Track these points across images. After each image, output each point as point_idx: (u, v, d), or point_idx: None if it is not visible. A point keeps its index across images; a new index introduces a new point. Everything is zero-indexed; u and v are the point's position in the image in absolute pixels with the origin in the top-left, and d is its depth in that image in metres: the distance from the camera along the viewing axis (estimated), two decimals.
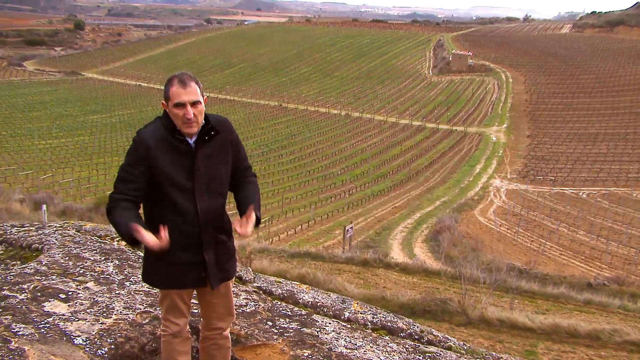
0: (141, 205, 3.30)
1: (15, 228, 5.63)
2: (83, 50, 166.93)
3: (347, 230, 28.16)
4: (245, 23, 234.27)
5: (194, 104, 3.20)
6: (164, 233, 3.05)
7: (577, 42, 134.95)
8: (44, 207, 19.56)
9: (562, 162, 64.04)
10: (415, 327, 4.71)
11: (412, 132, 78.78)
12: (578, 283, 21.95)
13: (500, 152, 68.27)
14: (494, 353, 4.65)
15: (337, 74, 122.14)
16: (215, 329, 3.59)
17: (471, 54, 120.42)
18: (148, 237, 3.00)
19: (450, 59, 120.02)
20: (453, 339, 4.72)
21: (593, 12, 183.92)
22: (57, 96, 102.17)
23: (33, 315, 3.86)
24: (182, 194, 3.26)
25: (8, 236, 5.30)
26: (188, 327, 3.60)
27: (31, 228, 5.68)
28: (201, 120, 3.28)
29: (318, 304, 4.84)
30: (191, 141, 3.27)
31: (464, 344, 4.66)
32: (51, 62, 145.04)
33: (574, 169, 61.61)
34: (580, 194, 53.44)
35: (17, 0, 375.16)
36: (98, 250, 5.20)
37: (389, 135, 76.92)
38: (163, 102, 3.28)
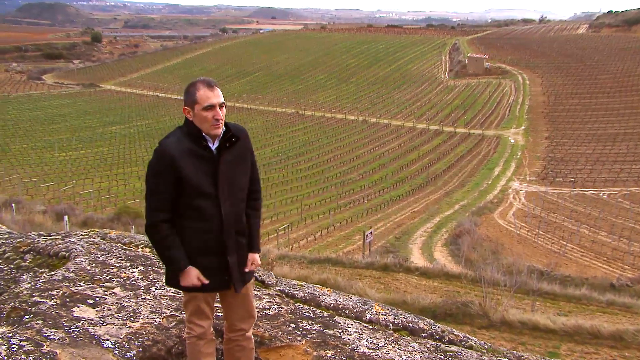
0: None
1: (43, 237, 5.75)
2: (101, 62, 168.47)
3: (367, 235, 28.17)
4: (261, 31, 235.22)
5: (221, 105, 3.33)
6: (203, 281, 3.37)
7: (594, 42, 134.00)
8: (66, 218, 19.78)
9: (582, 163, 63.55)
10: (436, 327, 4.74)
11: (429, 137, 78.60)
12: (600, 284, 21.79)
13: (519, 154, 67.89)
14: (515, 352, 4.68)
15: (353, 80, 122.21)
16: (238, 330, 3.66)
17: (487, 56, 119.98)
18: (195, 280, 3.36)
19: (466, 62, 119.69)
20: (474, 338, 4.75)
21: (610, 12, 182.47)
22: (76, 108, 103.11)
23: (63, 320, 3.96)
24: (207, 200, 3.33)
25: (36, 245, 5.42)
26: (212, 329, 3.67)
27: (57, 237, 5.80)
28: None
29: (340, 306, 4.90)
30: (213, 147, 3.35)
31: (484, 343, 4.70)
32: (69, 75, 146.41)
33: (594, 169, 61.10)
34: (601, 194, 53.00)
35: (35, 15, 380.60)
36: (123, 257, 5.30)
37: (406, 140, 76.80)
38: (186, 107, 3.35)
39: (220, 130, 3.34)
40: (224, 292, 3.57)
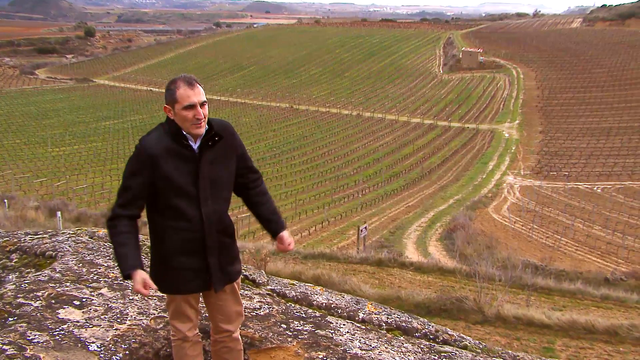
0: (141, 212, 3.34)
1: (29, 236, 5.66)
2: (94, 57, 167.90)
3: (361, 230, 28.15)
4: (255, 26, 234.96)
5: (202, 104, 3.20)
6: (151, 286, 3.23)
7: (588, 36, 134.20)
8: (59, 214, 19.69)
9: (576, 157, 63.66)
10: (430, 326, 4.68)
11: (423, 131, 78.61)
12: (595, 278, 21.82)
13: (513, 148, 67.98)
14: (510, 352, 4.62)
15: (348, 75, 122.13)
16: (224, 331, 3.57)
17: (481, 50, 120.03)
18: (139, 286, 3.18)
19: (461, 56, 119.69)
20: (469, 338, 4.69)
21: (604, 6, 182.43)
22: (69, 103, 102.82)
23: (48, 322, 3.87)
24: (186, 200, 3.26)
25: (22, 244, 5.33)
26: (198, 330, 3.60)
27: (45, 235, 5.70)
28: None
29: (332, 306, 4.83)
30: (195, 146, 3.26)
31: (479, 342, 4.64)
32: (63, 69, 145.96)
33: (588, 163, 61.21)
34: (595, 188, 53.10)
35: (28, 9, 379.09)
36: (111, 256, 5.21)
37: (400, 135, 76.80)
38: (166, 106, 3.25)
39: (202, 129, 3.24)
40: (206, 292, 3.49)
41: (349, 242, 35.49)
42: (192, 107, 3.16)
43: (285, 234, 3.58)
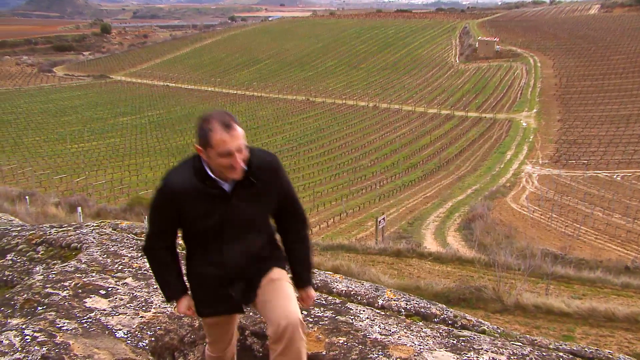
0: (176, 238, 3.19)
1: (55, 229, 5.78)
2: (110, 53, 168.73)
3: (380, 221, 28.14)
4: (270, 19, 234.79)
5: (240, 149, 2.85)
6: (192, 313, 3.21)
7: (606, 22, 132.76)
8: (79, 209, 19.89)
9: (595, 146, 63.14)
10: (449, 312, 4.74)
11: (440, 121, 78.34)
12: (615, 267, 21.71)
13: (531, 137, 67.55)
14: (528, 336, 4.66)
15: (363, 66, 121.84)
16: (283, 329, 3.08)
17: (498, 39, 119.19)
18: (183, 309, 3.20)
19: (477, 45, 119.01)
20: (487, 322, 4.74)
21: None
22: (87, 100, 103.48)
23: (75, 311, 3.98)
24: (211, 240, 3.06)
25: (48, 237, 5.44)
26: (235, 350, 3.59)
27: (69, 228, 5.82)
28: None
29: (352, 293, 4.90)
30: (226, 187, 2.97)
31: (497, 327, 4.69)
32: (80, 66, 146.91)
33: (607, 151, 60.70)
34: (615, 177, 52.68)
35: (44, 7, 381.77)
36: (134, 247, 5.32)
37: (417, 125, 76.58)
38: (198, 147, 2.90)
39: (239, 175, 2.90)
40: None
41: (367, 233, 35.49)
42: (229, 154, 2.82)
43: (304, 292, 3.32)
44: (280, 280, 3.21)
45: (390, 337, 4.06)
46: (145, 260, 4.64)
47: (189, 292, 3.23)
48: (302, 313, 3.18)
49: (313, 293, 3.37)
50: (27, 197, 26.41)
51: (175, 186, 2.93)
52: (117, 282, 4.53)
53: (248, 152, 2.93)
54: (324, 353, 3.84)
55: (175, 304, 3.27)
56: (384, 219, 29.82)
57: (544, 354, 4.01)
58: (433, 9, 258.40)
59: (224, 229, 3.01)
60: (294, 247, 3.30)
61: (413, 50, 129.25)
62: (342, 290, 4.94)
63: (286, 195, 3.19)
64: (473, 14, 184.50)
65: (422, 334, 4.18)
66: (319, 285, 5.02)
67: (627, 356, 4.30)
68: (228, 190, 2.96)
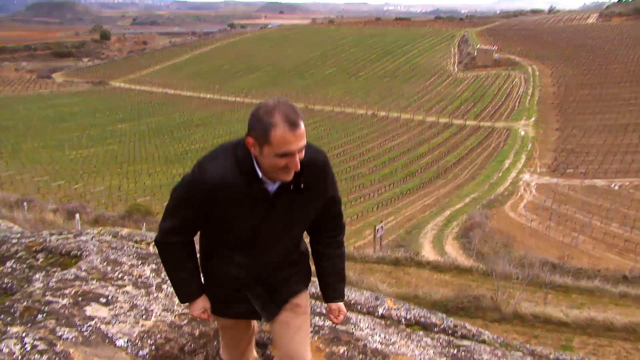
0: (195, 235, 2.86)
1: (54, 236, 5.77)
2: (109, 59, 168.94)
3: (378, 229, 28.16)
4: (269, 26, 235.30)
5: (301, 150, 2.49)
6: (208, 316, 2.95)
7: (604, 31, 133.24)
8: (77, 216, 19.86)
9: (593, 154, 63.22)
10: (449, 321, 4.74)
11: (439, 130, 78.44)
12: (613, 276, 21.75)
13: (529, 146, 67.67)
14: (528, 346, 4.67)
15: (362, 74, 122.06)
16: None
17: (496, 48, 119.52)
18: (197, 313, 2.93)
19: (475, 54, 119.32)
20: (487, 332, 4.75)
21: (620, 1, 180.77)
22: (86, 106, 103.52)
23: (75, 319, 3.97)
24: (241, 244, 2.72)
25: (48, 244, 5.44)
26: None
27: (69, 235, 5.82)
28: None
29: (352, 302, 4.90)
30: (271, 188, 2.60)
31: (497, 337, 4.69)
32: (79, 73, 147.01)
33: (605, 160, 60.78)
34: (612, 186, 52.73)
35: (44, 13, 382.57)
36: (135, 254, 5.31)
37: (416, 134, 76.68)
38: (250, 138, 2.49)
39: (291, 177, 2.54)
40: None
41: (365, 241, 35.51)
42: (288, 155, 2.45)
43: (336, 306, 2.97)
44: (304, 310, 2.99)
45: (390, 346, 4.06)
46: (146, 268, 4.62)
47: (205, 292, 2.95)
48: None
49: (344, 308, 3.00)
50: (25, 203, 26.38)
51: (213, 181, 2.52)
52: (117, 290, 4.53)
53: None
54: None
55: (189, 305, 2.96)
56: (382, 227, 29.85)
57: None
58: (432, 17, 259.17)
59: (258, 235, 2.67)
60: (328, 253, 2.94)
61: (412, 59, 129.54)
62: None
63: (332, 197, 2.82)
64: (472, 23, 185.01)
65: (423, 343, 4.19)
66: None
67: None
68: (271, 192, 2.59)
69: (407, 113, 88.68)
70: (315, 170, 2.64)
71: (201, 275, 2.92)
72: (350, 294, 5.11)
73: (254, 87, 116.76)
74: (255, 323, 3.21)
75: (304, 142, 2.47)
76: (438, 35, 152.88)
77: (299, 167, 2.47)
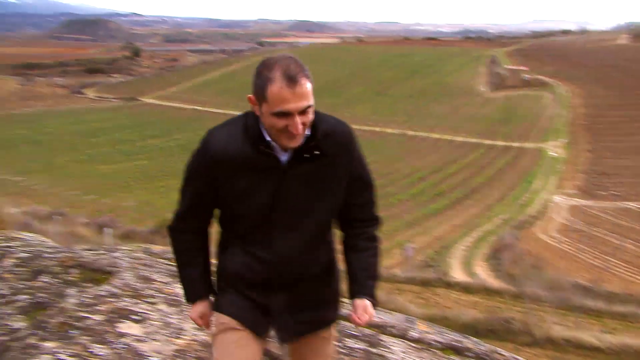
0: (209, 222, 2.58)
1: (88, 251, 5.81)
2: (140, 76, 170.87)
3: (406, 249, 28.02)
4: (298, 45, 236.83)
5: (304, 111, 2.23)
6: (204, 320, 2.62)
7: (636, 52, 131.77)
8: (108, 230, 20.08)
9: (625, 176, 62.28)
10: (482, 346, 4.67)
11: (468, 149, 77.96)
12: None
13: (560, 167, 66.95)
14: None
15: (390, 93, 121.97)
16: None
17: (526, 68, 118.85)
18: (194, 316, 2.63)
19: (505, 74, 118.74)
20: (520, 358, 4.67)
21: None
22: (116, 122, 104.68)
23: (108, 336, 3.97)
24: (257, 227, 2.40)
25: (81, 259, 5.47)
26: None
27: (102, 252, 5.85)
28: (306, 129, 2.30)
29: (384, 324, 4.84)
30: (282, 157, 2.34)
31: None
32: (110, 89, 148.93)
33: (638, 182, 59.85)
34: None
35: (78, 31, 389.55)
36: (166, 272, 5.32)
37: (445, 153, 76.30)
38: (251, 96, 2.31)
39: (297, 143, 2.28)
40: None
41: (393, 261, 35.27)
42: (287, 115, 2.20)
43: (362, 303, 2.47)
44: (331, 338, 2.71)
45: None
46: (178, 286, 4.59)
47: (213, 294, 2.63)
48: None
49: (372, 310, 2.48)
50: (56, 216, 26.71)
51: (217, 148, 2.33)
52: (150, 308, 4.53)
53: (314, 116, 2.32)
54: None
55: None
56: (410, 247, 29.70)
57: None
58: (461, 37, 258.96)
59: (273, 212, 2.36)
60: (358, 245, 2.56)
61: (440, 78, 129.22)
62: (374, 322, 4.88)
63: (359, 177, 2.55)
64: (501, 42, 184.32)
65: None
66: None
67: None
68: (284, 162, 2.33)
69: (436, 132, 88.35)
70: (336, 140, 2.41)
71: (211, 275, 2.64)
72: (382, 315, 5.05)
73: None
74: (260, 348, 2.53)
75: (306, 103, 2.21)
76: (467, 55, 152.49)
77: (300, 130, 2.21)
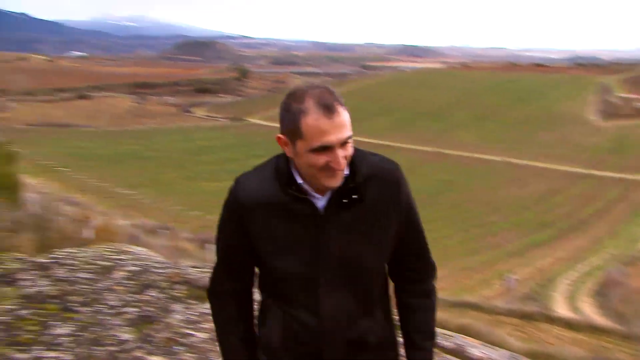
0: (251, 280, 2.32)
1: (194, 268, 5.94)
2: (247, 97, 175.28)
3: (508, 280, 27.29)
4: (403, 69, 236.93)
5: (344, 143, 1.95)
6: None
7: None
8: (210, 247, 20.56)
9: None
10: None
11: (575, 180, 75.32)
12: None
13: None
14: None
15: (496, 119, 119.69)
16: None
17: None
18: None
19: (616, 102, 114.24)
20: None
21: None
22: (223, 141, 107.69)
23: (211, 354, 4.02)
24: (297, 284, 2.08)
25: (188, 276, 5.60)
26: None
27: (207, 269, 5.98)
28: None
29: None
30: (320, 203, 2.04)
31: None
32: (218, 108, 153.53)
33: None
34: None
35: (189, 52, 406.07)
36: None
37: (550, 183, 74.00)
38: (281, 136, 2.09)
39: (338, 181, 1.98)
40: None
41: (492, 291, 34.43)
42: (327, 149, 1.92)
43: None
44: None
45: None
46: None
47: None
48: None
49: None
50: (162, 230, 27.66)
51: (247, 195, 2.09)
52: None
53: (354, 153, 2.04)
54: None
55: None
56: (512, 278, 28.90)
57: None
58: (570, 63, 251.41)
59: (317, 268, 2.04)
60: (413, 304, 2.25)
61: (548, 105, 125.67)
62: (478, 357, 4.73)
63: (409, 223, 2.18)
64: (613, 69, 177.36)
65: None
66: (454, 348, 4.84)
67: None
68: (321, 208, 2.02)
69: (541, 161, 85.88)
70: (382, 181, 2.08)
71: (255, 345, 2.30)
72: (485, 350, 4.89)
73: (385, 129, 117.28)
74: None
75: (346, 134, 1.93)
76: (576, 82, 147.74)
77: (343, 165, 1.92)
